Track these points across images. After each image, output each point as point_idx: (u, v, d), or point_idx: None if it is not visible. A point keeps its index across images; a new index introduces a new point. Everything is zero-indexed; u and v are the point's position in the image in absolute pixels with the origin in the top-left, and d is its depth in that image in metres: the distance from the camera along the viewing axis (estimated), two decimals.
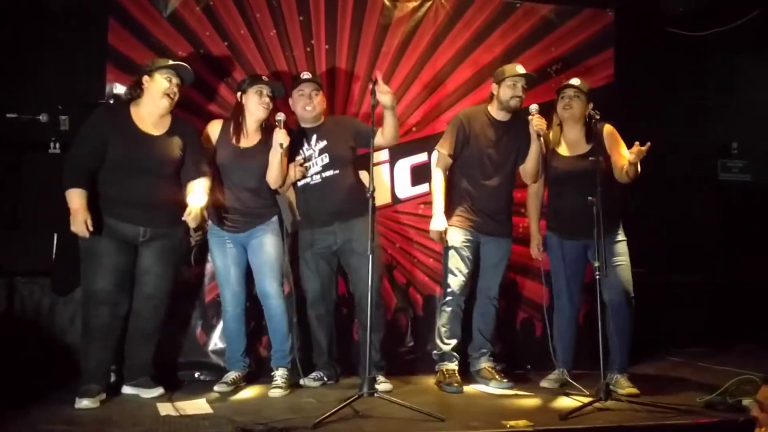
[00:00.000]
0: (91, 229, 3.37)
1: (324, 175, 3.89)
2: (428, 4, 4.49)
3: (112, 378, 3.66)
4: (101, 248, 3.46)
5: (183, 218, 3.57)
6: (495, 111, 4.05)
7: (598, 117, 3.64)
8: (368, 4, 4.40)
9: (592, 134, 3.85)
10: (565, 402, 3.57)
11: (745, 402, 3.32)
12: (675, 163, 5.47)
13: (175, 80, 3.61)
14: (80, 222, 3.36)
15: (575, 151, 3.95)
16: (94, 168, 3.47)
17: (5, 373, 3.56)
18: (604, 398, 3.33)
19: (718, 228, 5.67)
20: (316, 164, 3.90)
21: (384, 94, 3.63)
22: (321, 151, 3.90)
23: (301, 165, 3.89)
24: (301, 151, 3.92)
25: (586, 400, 3.40)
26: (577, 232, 3.86)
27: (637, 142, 3.60)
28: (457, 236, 3.96)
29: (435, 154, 4.09)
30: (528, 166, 4.01)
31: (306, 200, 3.91)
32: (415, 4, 4.48)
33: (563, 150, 3.97)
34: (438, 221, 3.91)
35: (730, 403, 3.36)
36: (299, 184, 3.93)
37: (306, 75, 3.94)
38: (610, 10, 4.74)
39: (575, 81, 3.97)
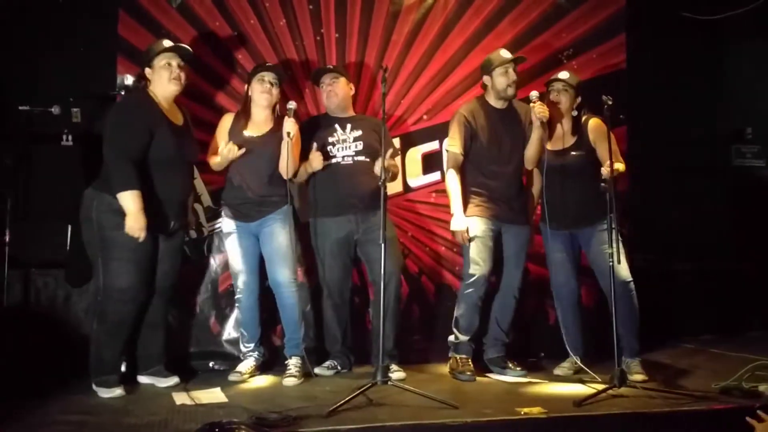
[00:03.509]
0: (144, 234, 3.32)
1: (356, 159, 3.91)
2: None
3: (123, 368, 3.65)
4: (125, 241, 3.36)
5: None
6: (493, 101, 4.01)
7: (610, 102, 3.60)
8: None
9: (579, 127, 3.91)
10: (579, 389, 3.56)
11: (762, 388, 3.31)
12: (688, 148, 5.44)
13: (175, 62, 3.54)
14: (140, 228, 3.29)
15: (561, 144, 3.95)
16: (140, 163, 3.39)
17: (21, 364, 3.58)
18: (618, 385, 3.31)
19: (732, 214, 5.63)
20: (349, 148, 3.91)
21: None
22: (356, 139, 3.93)
23: (321, 152, 3.85)
24: (335, 134, 3.93)
25: (601, 386, 3.38)
26: (566, 222, 3.92)
27: (607, 163, 3.57)
28: (479, 225, 3.90)
29: (445, 155, 4.04)
30: (530, 152, 3.96)
31: (333, 182, 3.90)
32: None
33: (550, 144, 3.96)
34: (458, 221, 3.87)
35: (746, 389, 3.34)
36: (314, 148, 3.89)
37: (325, 67, 4.00)
38: None
39: (564, 74, 3.97)
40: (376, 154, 3.87)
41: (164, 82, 3.52)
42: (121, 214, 3.33)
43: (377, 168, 3.61)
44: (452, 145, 3.96)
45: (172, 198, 3.52)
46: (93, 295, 3.99)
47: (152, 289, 3.56)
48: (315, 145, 3.90)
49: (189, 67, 3.65)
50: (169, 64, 3.53)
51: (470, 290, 3.93)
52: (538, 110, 3.79)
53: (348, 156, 3.91)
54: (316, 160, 3.85)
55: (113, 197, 3.33)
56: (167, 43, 3.59)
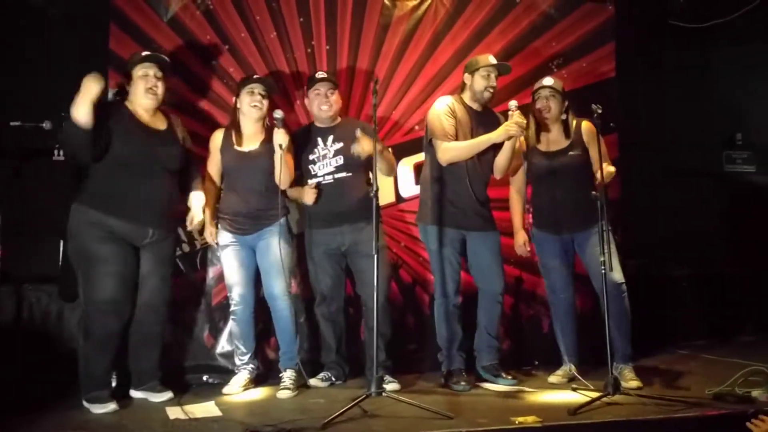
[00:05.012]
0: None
1: (336, 176, 3.89)
2: (428, 2, 4.48)
3: (113, 383, 3.62)
4: (106, 254, 3.36)
5: (187, 226, 3.70)
6: (469, 101, 4.00)
7: (600, 111, 3.62)
8: (368, 3, 4.40)
9: (570, 131, 3.92)
10: (573, 397, 3.56)
11: (755, 393, 3.32)
12: (679, 155, 5.47)
13: (152, 72, 3.54)
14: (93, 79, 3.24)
15: (554, 147, 3.95)
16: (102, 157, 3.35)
17: (14, 379, 3.57)
18: (612, 392, 3.31)
19: (724, 219, 5.66)
20: (330, 164, 3.90)
21: (361, 147, 3.67)
22: (336, 152, 3.90)
23: (315, 188, 3.86)
24: (315, 150, 3.92)
25: (595, 394, 3.39)
26: (559, 227, 3.93)
27: (606, 165, 3.61)
28: (444, 235, 3.88)
29: (441, 148, 3.83)
30: (500, 161, 3.93)
31: (320, 197, 3.88)
32: (414, 2, 4.47)
33: (543, 147, 3.97)
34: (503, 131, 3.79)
35: (740, 394, 3.35)
36: (310, 182, 3.91)
37: (321, 74, 3.94)
38: (610, 3, 4.72)
39: (548, 81, 3.97)
40: (357, 166, 3.87)
41: (140, 93, 3.52)
42: (99, 226, 3.34)
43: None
44: (451, 135, 3.83)
45: (146, 204, 3.46)
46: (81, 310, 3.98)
47: (134, 302, 3.52)
48: (310, 182, 3.90)
49: (171, 78, 3.65)
50: (146, 75, 3.52)
51: (443, 301, 3.92)
52: (517, 119, 3.73)
53: (328, 174, 3.89)
54: (308, 195, 3.85)
55: (92, 209, 3.34)
56: (145, 52, 3.60)
